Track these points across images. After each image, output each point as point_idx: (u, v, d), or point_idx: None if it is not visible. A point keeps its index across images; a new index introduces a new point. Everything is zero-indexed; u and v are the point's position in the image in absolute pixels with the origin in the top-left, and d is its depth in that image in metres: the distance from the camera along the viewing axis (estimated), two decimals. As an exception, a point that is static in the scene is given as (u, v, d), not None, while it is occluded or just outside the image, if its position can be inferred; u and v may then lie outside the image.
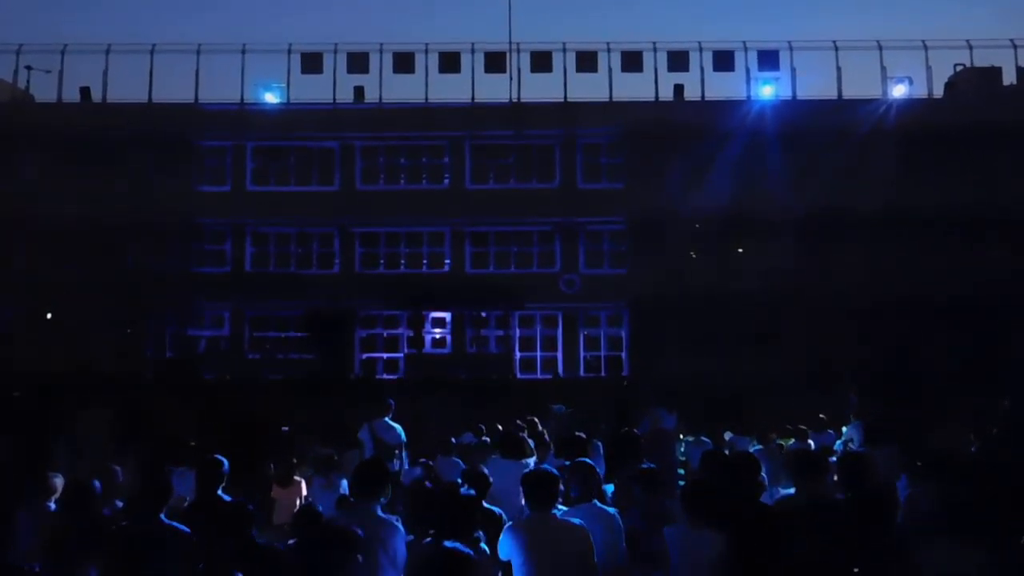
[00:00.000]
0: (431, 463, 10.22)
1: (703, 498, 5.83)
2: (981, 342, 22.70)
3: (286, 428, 11.07)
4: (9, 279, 24.86)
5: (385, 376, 26.47)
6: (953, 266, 23.61)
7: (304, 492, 9.02)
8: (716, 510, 5.74)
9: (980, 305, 23.05)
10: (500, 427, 11.74)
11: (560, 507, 5.85)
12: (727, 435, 14.07)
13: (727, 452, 10.44)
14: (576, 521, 5.61)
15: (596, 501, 6.11)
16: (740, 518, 5.70)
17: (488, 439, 10.68)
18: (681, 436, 13.27)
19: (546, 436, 11.05)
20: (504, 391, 21.41)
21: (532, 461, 8.60)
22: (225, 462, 6.83)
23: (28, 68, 27.71)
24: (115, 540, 5.36)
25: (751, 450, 11.27)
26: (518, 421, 11.86)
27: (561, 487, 5.94)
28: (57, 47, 27.18)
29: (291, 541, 5.86)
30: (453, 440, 11.37)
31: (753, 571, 5.48)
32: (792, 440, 13.72)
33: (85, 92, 27.53)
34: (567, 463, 7.87)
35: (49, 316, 26.51)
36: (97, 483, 6.12)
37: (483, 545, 5.40)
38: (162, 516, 5.69)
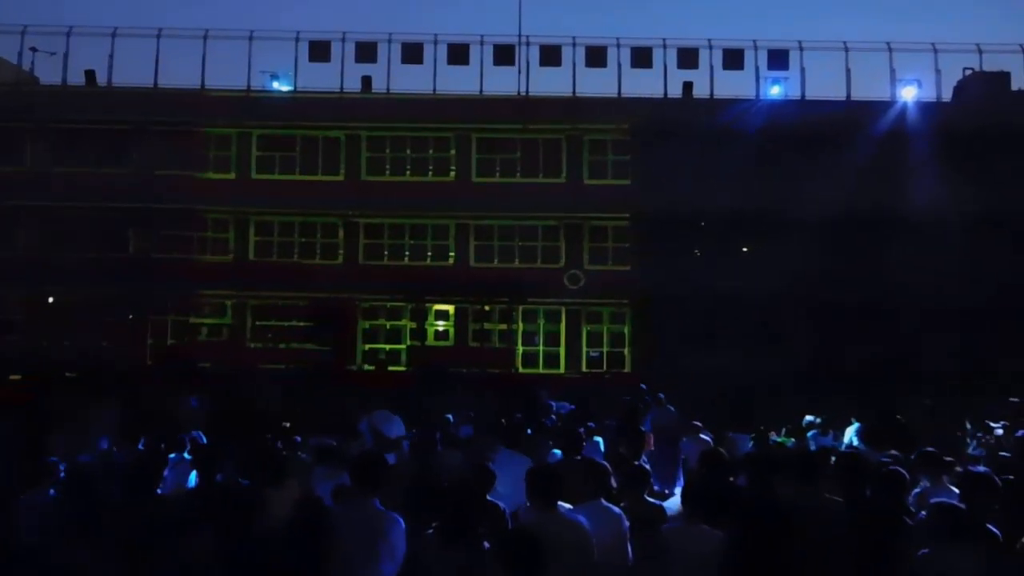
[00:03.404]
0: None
1: (701, 495, 5.82)
2: (988, 345, 22.66)
3: (287, 424, 11.00)
4: (10, 263, 24.86)
5: (387, 368, 26.49)
6: (960, 269, 23.56)
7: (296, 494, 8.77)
8: (714, 508, 5.73)
9: (987, 307, 23.01)
10: (503, 421, 11.69)
11: (564, 505, 5.82)
12: (728, 433, 14.07)
13: (724, 451, 10.43)
14: (579, 519, 5.59)
15: (603, 500, 6.07)
16: (738, 516, 5.70)
17: (485, 435, 10.60)
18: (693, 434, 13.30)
19: (547, 430, 11.02)
20: (505, 385, 21.42)
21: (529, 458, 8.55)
22: (225, 449, 6.86)
23: (33, 50, 27.66)
24: (112, 522, 5.38)
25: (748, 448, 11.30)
26: (518, 415, 11.84)
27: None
28: (62, 29, 27.19)
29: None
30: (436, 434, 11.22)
31: (750, 569, 5.48)
32: (791, 440, 13.71)
33: (90, 76, 27.52)
34: (565, 459, 7.89)
35: (51, 300, 26.53)
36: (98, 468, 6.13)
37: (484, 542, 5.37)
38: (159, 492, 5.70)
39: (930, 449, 7.67)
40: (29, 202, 25.31)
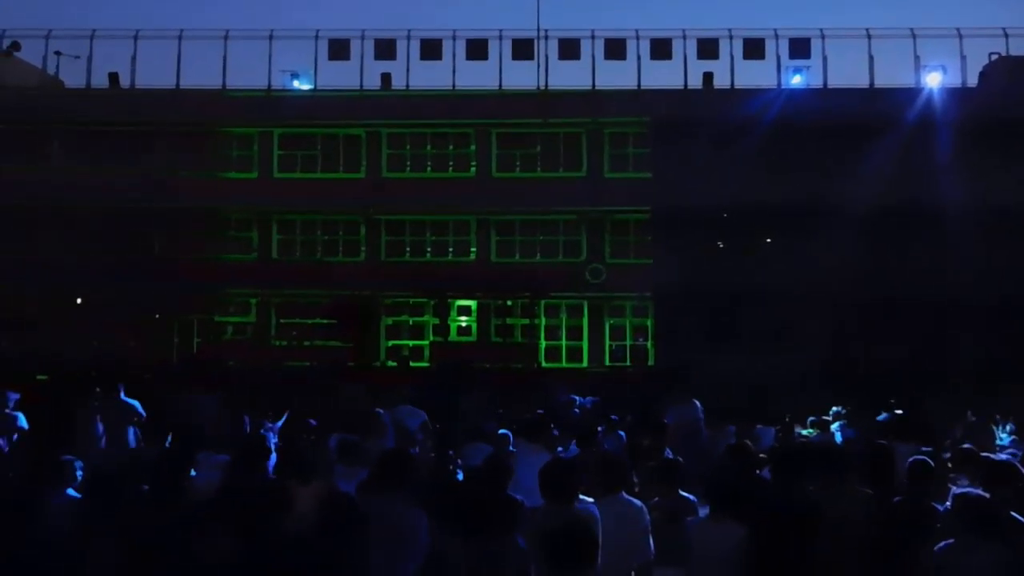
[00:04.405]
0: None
1: (725, 490, 5.79)
2: (1016, 338, 22.29)
3: (313, 422, 10.99)
4: (35, 264, 25.16)
5: (411, 364, 26.54)
6: (984, 260, 23.23)
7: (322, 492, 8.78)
8: (739, 501, 5.70)
9: (1015, 300, 22.61)
10: (524, 415, 11.67)
11: (585, 499, 5.79)
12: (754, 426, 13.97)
13: (749, 443, 10.37)
14: (588, 508, 5.55)
15: (623, 494, 6.04)
16: (762, 511, 5.66)
17: (507, 430, 10.61)
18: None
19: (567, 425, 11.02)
20: (529, 379, 21.41)
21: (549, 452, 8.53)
22: (258, 447, 6.90)
23: (57, 54, 27.97)
24: (136, 519, 5.42)
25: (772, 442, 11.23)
26: (540, 411, 11.81)
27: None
28: (86, 33, 27.39)
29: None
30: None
31: (772, 565, 5.45)
32: (816, 433, 13.60)
33: (114, 78, 27.77)
34: (581, 453, 7.87)
35: (80, 301, 26.81)
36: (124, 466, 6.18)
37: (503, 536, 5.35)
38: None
39: (968, 446, 7.58)
40: (54, 203, 25.57)
